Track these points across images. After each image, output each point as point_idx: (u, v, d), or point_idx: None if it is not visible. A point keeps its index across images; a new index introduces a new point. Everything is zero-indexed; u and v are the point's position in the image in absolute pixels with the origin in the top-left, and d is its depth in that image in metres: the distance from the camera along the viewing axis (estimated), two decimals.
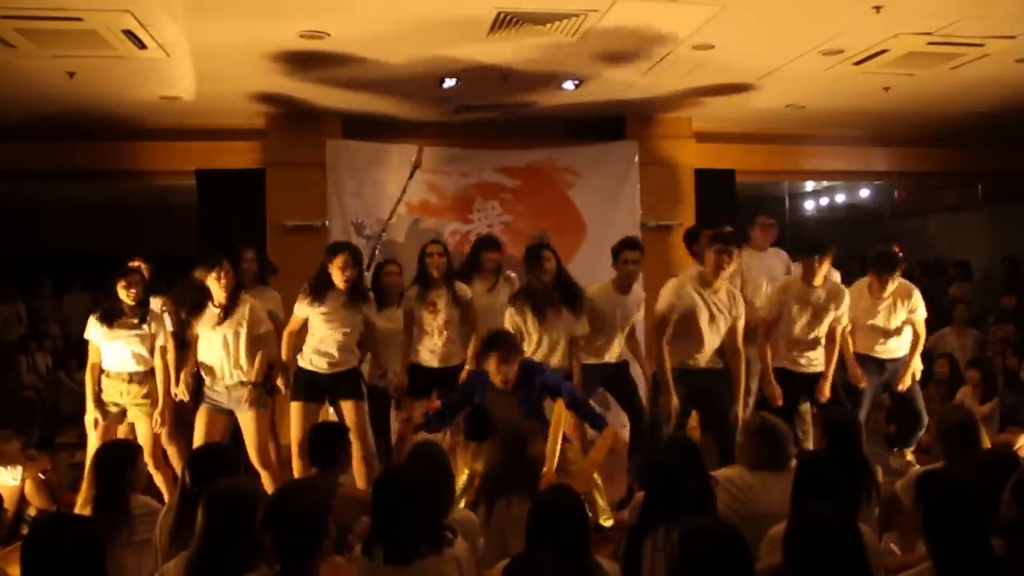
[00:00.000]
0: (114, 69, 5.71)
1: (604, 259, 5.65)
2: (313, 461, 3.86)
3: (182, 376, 5.11)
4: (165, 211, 10.59)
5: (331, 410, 5.38)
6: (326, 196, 7.19)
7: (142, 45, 5.21)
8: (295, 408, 5.05)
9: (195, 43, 5.30)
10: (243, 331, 4.91)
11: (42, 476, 5.32)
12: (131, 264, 5.37)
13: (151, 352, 5.07)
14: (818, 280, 5.23)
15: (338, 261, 4.95)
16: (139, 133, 7.44)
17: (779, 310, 5.29)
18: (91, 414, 5.07)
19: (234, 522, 2.62)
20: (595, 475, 4.74)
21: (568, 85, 6.45)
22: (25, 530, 4.84)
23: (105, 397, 5.08)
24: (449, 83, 6.24)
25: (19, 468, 5.14)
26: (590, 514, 4.55)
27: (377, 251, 7.06)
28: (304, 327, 5.10)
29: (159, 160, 7.67)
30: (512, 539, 3.34)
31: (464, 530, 3.13)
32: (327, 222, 7.19)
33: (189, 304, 4.93)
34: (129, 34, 5.01)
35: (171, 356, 5.10)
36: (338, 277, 4.96)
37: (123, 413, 5.10)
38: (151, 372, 5.08)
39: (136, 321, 5.02)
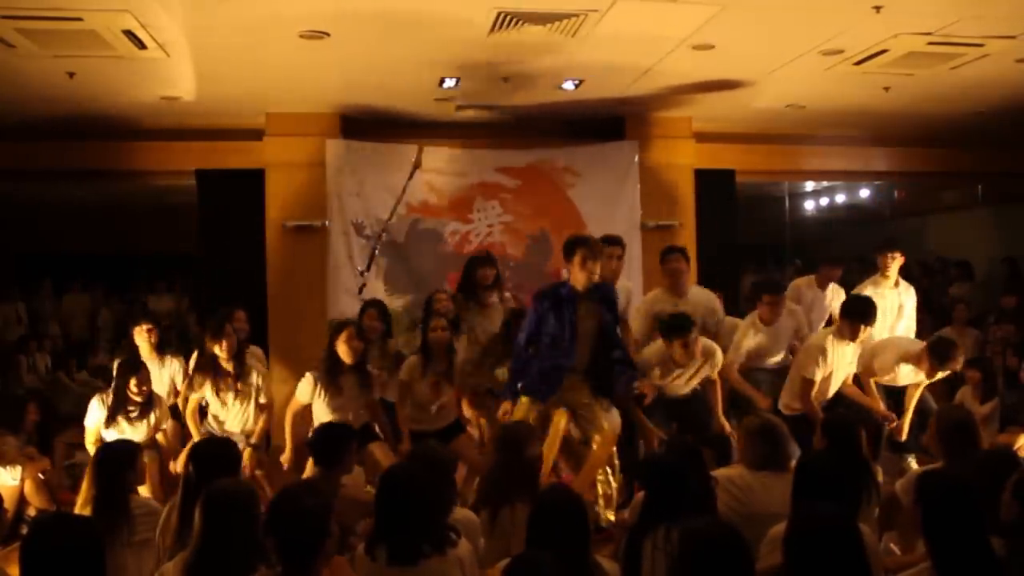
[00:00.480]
0: (114, 69, 5.71)
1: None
2: (317, 461, 3.85)
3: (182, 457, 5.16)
4: (165, 211, 10.58)
5: None
6: (326, 196, 7.19)
7: (142, 45, 5.21)
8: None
9: (195, 43, 5.29)
10: (252, 403, 5.23)
11: (42, 476, 5.32)
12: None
13: (149, 437, 5.12)
14: (858, 340, 5.28)
15: (344, 335, 4.92)
16: (139, 133, 7.44)
17: (824, 373, 5.27)
18: None
19: (232, 522, 2.62)
20: (614, 454, 4.75)
21: (568, 85, 6.45)
22: (25, 530, 4.84)
23: None
24: (449, 83, 6.24)
25: (19, 468, 5.15)
26: (602, 506, 4.64)
27: (377, 251, 7.06)
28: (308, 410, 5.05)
29: (159, 160, 7.67)
30: (516, 544, 3.32)
31: (465, 530, 3.12)
32: (327, 222, 7.19)
33: (211, 375, 5.13)
34: (129, 34, 5.01)
35: (171, 434, 5.32)
36: (344, 351, 4.90)
37: None
38: (151, 444, 5.12)
39: (139, 414, 5.08)
